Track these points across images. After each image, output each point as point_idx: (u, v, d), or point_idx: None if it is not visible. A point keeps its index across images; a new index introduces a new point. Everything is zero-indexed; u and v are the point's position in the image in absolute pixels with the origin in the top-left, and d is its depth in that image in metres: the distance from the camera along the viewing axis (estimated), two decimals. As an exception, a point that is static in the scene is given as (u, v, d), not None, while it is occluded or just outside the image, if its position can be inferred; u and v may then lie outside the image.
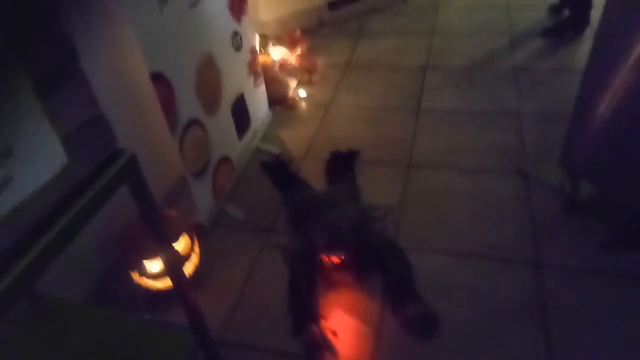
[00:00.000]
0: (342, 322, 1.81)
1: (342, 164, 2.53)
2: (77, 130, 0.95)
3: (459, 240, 2.07)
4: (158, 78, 1.76)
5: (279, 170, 2.55)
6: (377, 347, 1.72)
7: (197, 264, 1.99)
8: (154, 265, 1.83)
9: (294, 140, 2.78)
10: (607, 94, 1.71)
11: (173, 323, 1.47)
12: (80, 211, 0.91)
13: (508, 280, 1.88)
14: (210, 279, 2.03)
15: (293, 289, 1.92)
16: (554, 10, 3.63)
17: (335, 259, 1.97)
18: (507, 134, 2.61)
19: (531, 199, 2.20)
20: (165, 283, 1.85)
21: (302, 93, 3.13)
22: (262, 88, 2.79)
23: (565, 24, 3.39)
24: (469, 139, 2.61)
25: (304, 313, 1.82)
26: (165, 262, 1.47)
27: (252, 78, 2.62)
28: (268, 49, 3.13)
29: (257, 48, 2.76)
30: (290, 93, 3.06)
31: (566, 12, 3.49)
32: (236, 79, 2.43)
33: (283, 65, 3.12)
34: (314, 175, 2.50)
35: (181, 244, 1.89)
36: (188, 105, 1.97)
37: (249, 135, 2.63)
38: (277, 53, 3.15)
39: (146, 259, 1.81)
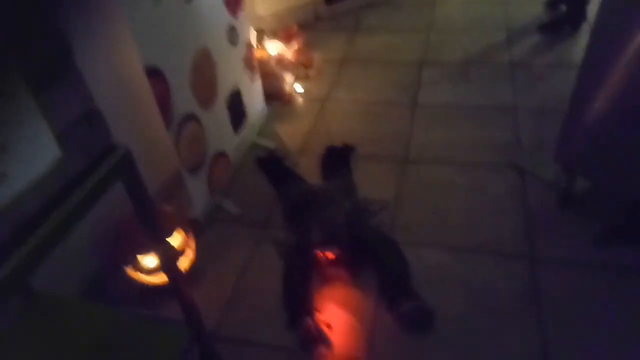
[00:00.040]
0: (337, 317, 1.81)
1: (337, 158, 2.53)
2: (72, 125, 0.94)
3: (455, 235, 2.07)
4: (153, 73, 1.75)
5: (273, 165, 2.55)
6: (372, 342, 1.73)
7: (193, 259, 1.99)
8: (149, 260, 1.82)
9: (290, 135, 2.77)
10: (603, 89, 1.72)
11: (168, 318, 1.47)
12: (75, 206, 0.91)
13: (503, 275, 1.88)
14: (206, 274, 2.03)
15: (288, 283, 1.92)
16: (551, 5, 3.63)
17: (330, 255, 1.97)
18: (503, 129, 2.61)
19: (527, 194, 2.21)
20: (161, 278, 1.84)
21: (299, 88, 3.12)
22: (258, 83, 2.78)
23: (562, 19, 3.39)
24: (466, 134, 2.62)
25: (298, 306, 1.82)
26: (161, 257, 1.48)
27: (248, 73, 2.61)
28: (264, 43, 3.11)
29: (254, 43, 2.75)
30: (287, 88, 3.05)
31: (563, 8, 3.49)
32: (232, 74, 2.42)
33: (279, 60, 3.11)
34: (310, 170, 2.50)
35: (176, 239, 1.89)
36: (184, 100, 1.97)
37: (245, 130, 2.62)
38: (274, 48, 3.14)
39: (141, 254, 1.81)
